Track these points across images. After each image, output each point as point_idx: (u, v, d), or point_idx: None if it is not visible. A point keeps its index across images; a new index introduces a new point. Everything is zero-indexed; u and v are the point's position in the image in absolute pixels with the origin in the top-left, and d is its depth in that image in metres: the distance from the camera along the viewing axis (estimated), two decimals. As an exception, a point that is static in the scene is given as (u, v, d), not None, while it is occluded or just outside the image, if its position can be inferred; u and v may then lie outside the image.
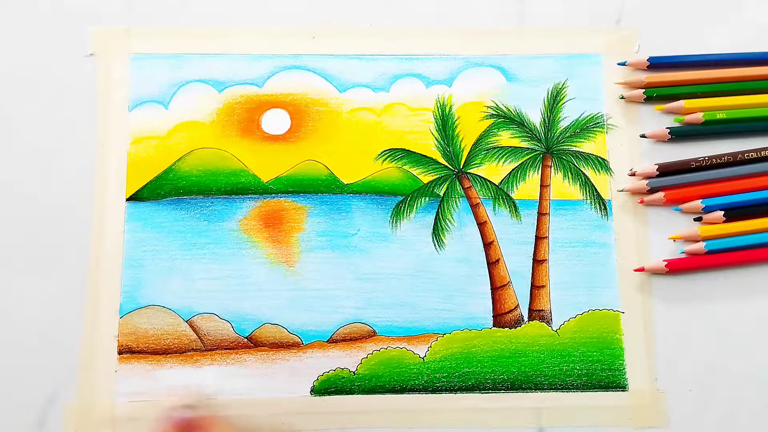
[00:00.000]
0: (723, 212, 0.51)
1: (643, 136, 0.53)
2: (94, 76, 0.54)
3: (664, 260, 0.51)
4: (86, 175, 0.52)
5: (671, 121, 0.53)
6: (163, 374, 0.49)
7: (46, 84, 0.54)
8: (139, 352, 0.50)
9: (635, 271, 0.51)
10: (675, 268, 0.50)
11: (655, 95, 0.53)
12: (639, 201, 0.52)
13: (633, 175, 0.53)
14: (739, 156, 0.52)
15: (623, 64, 0.54)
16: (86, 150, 0.53)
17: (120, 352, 0.50)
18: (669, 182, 0.52)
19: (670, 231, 0.52)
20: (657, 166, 0.52)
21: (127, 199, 0.52)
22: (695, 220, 0.52)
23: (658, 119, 0.54)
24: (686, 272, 0.51)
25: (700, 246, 0.50)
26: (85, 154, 0.53)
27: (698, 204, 0.51)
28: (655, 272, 0.51)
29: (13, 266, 0.51)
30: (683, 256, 0.51)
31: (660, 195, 0.52)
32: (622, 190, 0.53)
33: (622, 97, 0.54)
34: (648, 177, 0.52)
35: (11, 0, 0.55)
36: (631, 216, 0.52)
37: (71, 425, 0.49)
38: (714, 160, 0.52)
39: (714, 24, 0.56)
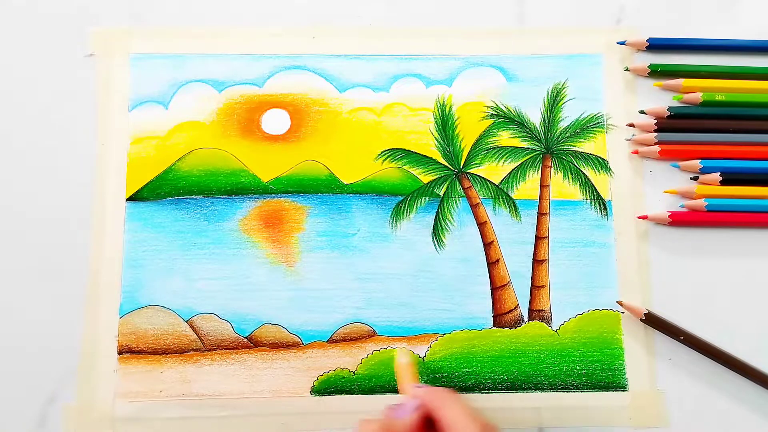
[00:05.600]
0: (720, 175, 0.52)
1: (642, 112, 0.54)
2: (94, 76, 0.54)
3: (668, 211, 0.51)
4: (86, 175, 0.52)
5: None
6: (163, 374, 0.49)
7: (46, 84, 0.54)
8: (139, 352, 0.50)
9: (638, 218, 0.52)
10: (678, 219, 0.51)
11: (659, 70, 0.54)
12: (633, 152, 0.53)
13: (631, 125, 0.53)
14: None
15: (623, 43, 0.55)
16: (86, 150, 0.53)
17: (120, 352, 0.50)
18: (668, 138, 0.53)
19: (666, 190, 0.53)
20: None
21: (127, 199, 0.52)
22: (692, 179, 0.53)
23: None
24: (686, 226, 0.52)
25: (701, 202, 0.51)
26: (85, 154, 0.53)
27: (696, 163, 0.52)
28: (658, 222, 0.52)
29: (13, 266, 0.51)
30: (684, 210, 0.52)
31: (655, 148, 0.52)
32: (629, 139, 0.53)
33: (627, 69, 0.55)
34: (649, 128, 0.53)
35: (11, 0, 0.55)
36: (629, 174, 0.53)
37: (71, 425, 0.49)
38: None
39: (714, 24, 0.56)
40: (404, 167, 0.53)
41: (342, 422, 0.49)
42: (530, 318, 0.51)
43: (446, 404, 0.42)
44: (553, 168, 0.54)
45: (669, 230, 0.52)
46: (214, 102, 0.54)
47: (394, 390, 0.50)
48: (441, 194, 0.53)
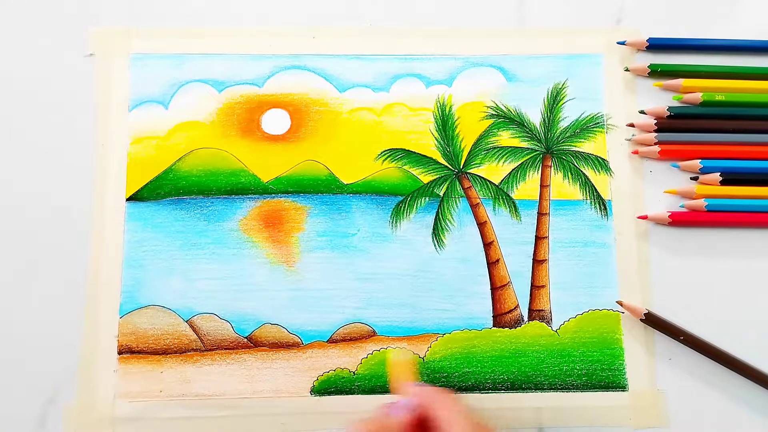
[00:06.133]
0: (720, 175, 0.52)
1: (642, 112, 0.54)
2: (94, 76, 0.54)
3: (668, 211, 0.51)
4: (86, 175, 0.52)
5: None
6: (163, 374, 0.49)
7: (46, 84, 0.54)
8: (139, 352, 0.50)
9: (638, 218, 0.52)
10: (677, 219, 0.51)
11: (659, 70, 0.54)
12: (633, 152, 0.53)
13: (631, 125, 0.54)
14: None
15: (623, 43, 0.55)
16: (86, 150, 0.53)
17: (120, 352, 0.50)
18: (668, 138, 0.53)
19: (666, 190, 0.53)
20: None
21: (127, 199, 0.52)
22: (692, 179, 0.53)
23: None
24: (686, 226, 0.52)
25: (701, 202, 0.51)
26: (85, 154, 0.53)
27: (696, 163, 0.52)
28: (658, 222, 0.52)
29: (13, 266, 0.51)
30: (684, 210, 0.52)
31: (655, 148, 0.52)
32: (629, 139, 0.53)
33: (627, 69, 0.55)
34: (649, 128, 0.53)
35: (11, 0, 0.55)
36: (629, 174, 0.53)
37: (71, 425, 0.49)
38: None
39: (714, 24, 0.56)
40: (404, 167, 0.53)
41: (342, 422, 0.49)
42: (530, 318, 0.51)
43: (441, 403, 0.42)
44: (553, 168, 0.54)
45: (669, 230, 0.52)
46: (214, 102, 0.54)
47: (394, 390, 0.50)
48: (441, 194, 0.53)
